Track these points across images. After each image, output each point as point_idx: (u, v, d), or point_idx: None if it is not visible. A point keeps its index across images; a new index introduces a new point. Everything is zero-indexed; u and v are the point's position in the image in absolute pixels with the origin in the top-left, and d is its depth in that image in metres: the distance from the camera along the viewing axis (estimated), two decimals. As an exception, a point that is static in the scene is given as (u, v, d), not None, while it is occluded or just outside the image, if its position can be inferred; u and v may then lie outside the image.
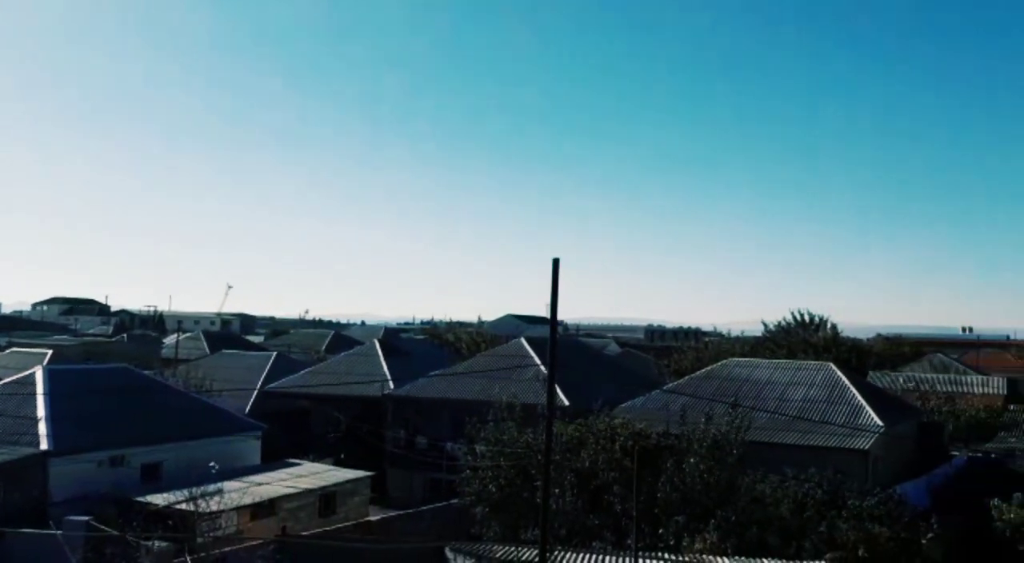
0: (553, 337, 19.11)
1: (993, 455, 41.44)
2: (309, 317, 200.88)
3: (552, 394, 19.30)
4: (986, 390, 57.55)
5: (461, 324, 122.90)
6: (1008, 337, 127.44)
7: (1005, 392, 57.53)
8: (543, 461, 19.77)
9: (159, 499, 28.24)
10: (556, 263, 18.54)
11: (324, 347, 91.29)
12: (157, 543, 23.28)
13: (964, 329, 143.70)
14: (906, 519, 26.83)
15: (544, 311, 19.39)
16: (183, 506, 26.11)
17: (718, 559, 23.52)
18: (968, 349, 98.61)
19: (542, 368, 40.33)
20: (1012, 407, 52.41)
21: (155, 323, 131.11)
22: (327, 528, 29.32)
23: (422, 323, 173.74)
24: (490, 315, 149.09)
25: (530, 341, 48.83)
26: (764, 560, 23.55)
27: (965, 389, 57.21)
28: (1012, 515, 30.18)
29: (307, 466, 36.53)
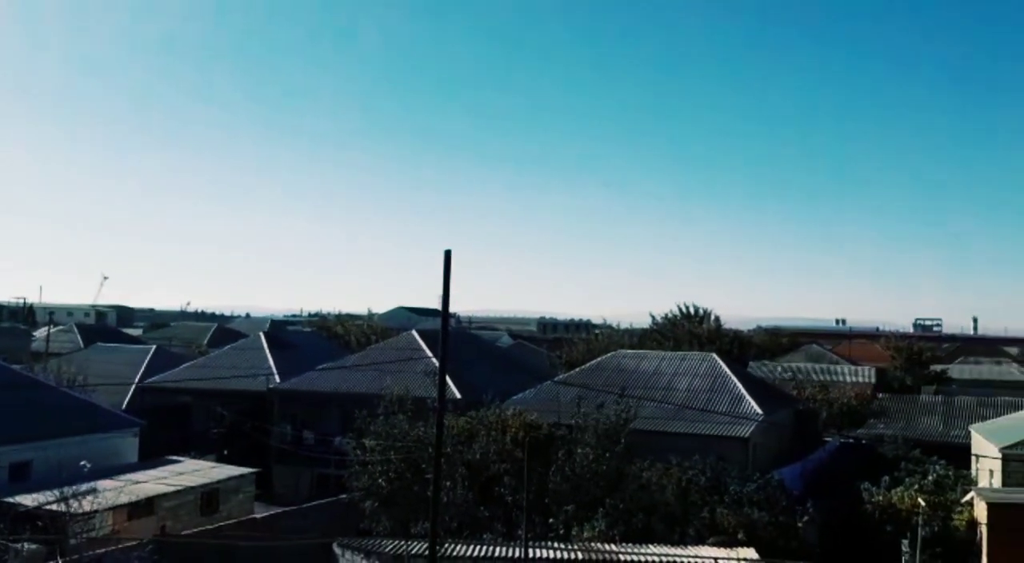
0: (444, 329, 18.94)
1: (863, 441, 43.57)
2: (191, 309, 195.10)
3: (443, 386, 19.15)
4: (857, 379, 60.51)
5: (351, 316, 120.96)
6: (878, 329, 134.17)
7: (874, 381, 60.67)
8: (434, 454, 19.63)
9: (28, 500, 26.72)
10: (448, 255, 18.36)
11: (207, 340, 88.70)
12: (26, 545, 22.08)
13: (838, 321, 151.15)
14: (783, 504, 27.86)
15: (436, 303, 19.17)
16: (54, 507, 24.76)
17: (606, 546, 23.92)
18: (841, 340, 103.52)
19: (433, 361, 40.16)
20: (880, 395, 55.28)
21: (24, 315, 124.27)
22: (209, 527, 28.40)
23: (310, 315, 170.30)
24: (381, 307, 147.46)
25: (421, 334, 48.56)
26: (650, 546, 24.08)
27: (838, 378, 60.01)
28: (880, 497, 31.81)
29: (188, 463, 35.30)
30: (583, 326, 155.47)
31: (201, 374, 49.09)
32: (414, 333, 49.13)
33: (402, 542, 24.49)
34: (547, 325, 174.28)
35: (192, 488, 31.28)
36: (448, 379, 27.86)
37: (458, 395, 37.60)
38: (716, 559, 22.73)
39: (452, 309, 19.31)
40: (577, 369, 45.32)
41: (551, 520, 26.45)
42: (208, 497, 31.85)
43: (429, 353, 43.23)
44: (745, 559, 22.58)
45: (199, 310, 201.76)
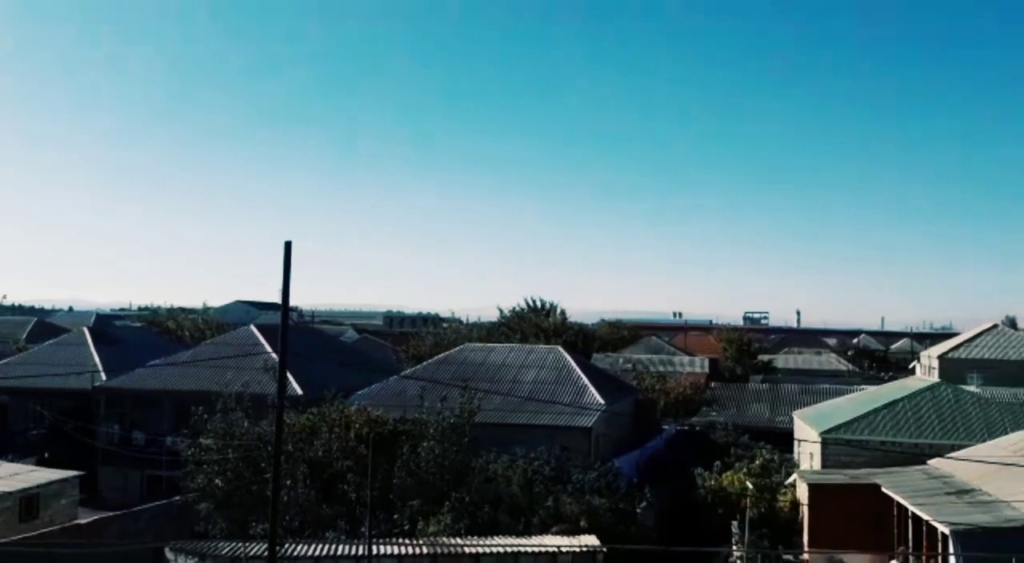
0: (285, 323, 18.26)
1: (697, 428, 45.55)
2: (7, 303, 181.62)
3: (283, 382, 18.47)
4: (692, 369, 63.32)
5: (184, 310, 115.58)
6: (711, 322, 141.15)
7: (707, 371, 63.66)
8: (273, 452, 18.95)
9: None
10: (288, 246, 17.69)
11: (24, 336, 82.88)
12: None
13: (675, 314, 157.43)
14: (623, 490, 28.66)
15: (277, 297, 18.42)
16: None
17: (451, 540, 23.86)
18: (678, 333, 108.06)
19: (273, 356, 38.84)
20: (713, 384, 58.05)
21: None
22: (29, 534, 26.38)
23: (140, 309, 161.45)
24: (217, 301, 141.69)
25: (261, 328, 47.15)
26: (495, 538, 24.19)
27: (675, 369, 62.59)
28: (712, 482, 33.32)
29: (4, 467, 32.72)
30: (431, 320, 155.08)
31: (19, 371, 45.79)
32: (253, 328, 47.65)
33: (240, 543, 23.59)
34: (394, 319, 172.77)
35: (9, 493, 29.03)
36: (289, 375, 27.05)
37: (300, 391, 36.66)
38: (559, 547, 23.08)
39: (293, 303, 18.70)
40: (424, 363, 45.09)
41: (396, 516, 26.15)
42: (27, 503, 29.62)
43: (269, 348, 41.84)
44: (586, 546, 23.05)
45: (16, 304, 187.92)
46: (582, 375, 39.63)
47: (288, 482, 25.70)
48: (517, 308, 74.00)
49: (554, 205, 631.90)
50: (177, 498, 29.91)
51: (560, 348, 44.25)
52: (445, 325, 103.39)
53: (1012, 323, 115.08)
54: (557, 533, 24.80)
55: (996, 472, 25.97)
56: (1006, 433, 31.54)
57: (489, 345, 47.94)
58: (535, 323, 69.26)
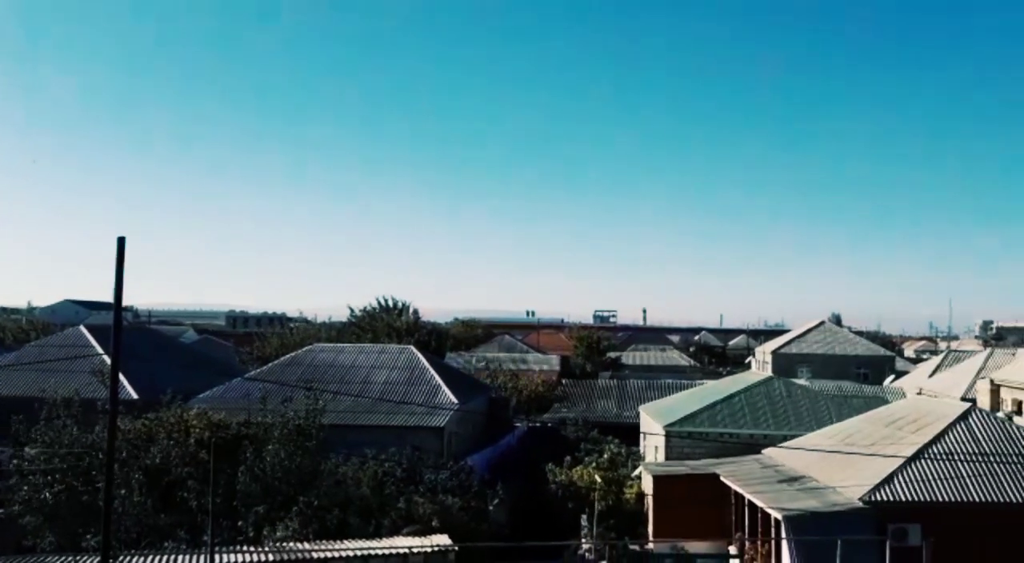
0: (117, 323, 17.19)
1: (549, 424, 46.26)
2: None
3: (115, 386, 17.39)
4: (544, 367, 64.33)
5: (7, 311, 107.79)
6: (563, 320, 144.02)
7: (559, 368, 64.85)
8: (106, 459, 17.83)
9: None
10: (122, 243, 16.66)
11: None
12: None
13: (528, 313, 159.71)
14: (475, 489, 28.74)
15: (109, 296, 17.32)
16: None
17: (299, 545, 23.22)
18: (531, 331, 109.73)
19: (105, 358, 36.70)
20: (564, 381, 59.18)
21: None
22: None
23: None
24: (44, 301, 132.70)
25: (91, 329, 44.57)
26: (345, 541, 23.71)
27: (528, 367, 63.42)
28: (563, 477, 33.92)
29: None
30: (277, 320, 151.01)
31: None
32: (82, 328, 44.96)
33: (70, 557, 22.11)
34: (237, 319, 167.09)
35: None
36: (122, 378, 25.56)
37: (134, 395, 34.85)
38: (410, 548, 22.85)
39: (127, 302, 17.65)
40: (269, 364, 43.76)
41: (240, 523, 25.21)
42: None
43: (100, 350, 39.50)
44: (438, 545, 22.93)
45: None
46: (435, 375, 39.47)
47: (123, 491, 24.36)
48: (369, 307, 72.93)
49: (406, 204, 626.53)
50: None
51: (413, 348, 43.93)
52: (293, 325, 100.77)
53: (837, 320, 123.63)
54: (409, 534, 24.56)
55: (823, 459, 27.65)
56: (832, 423, 33.69)
57: (339, 345, 47.06)
58: (387, 323, 68.44)
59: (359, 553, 22.43)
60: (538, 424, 46.89)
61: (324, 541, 23.72)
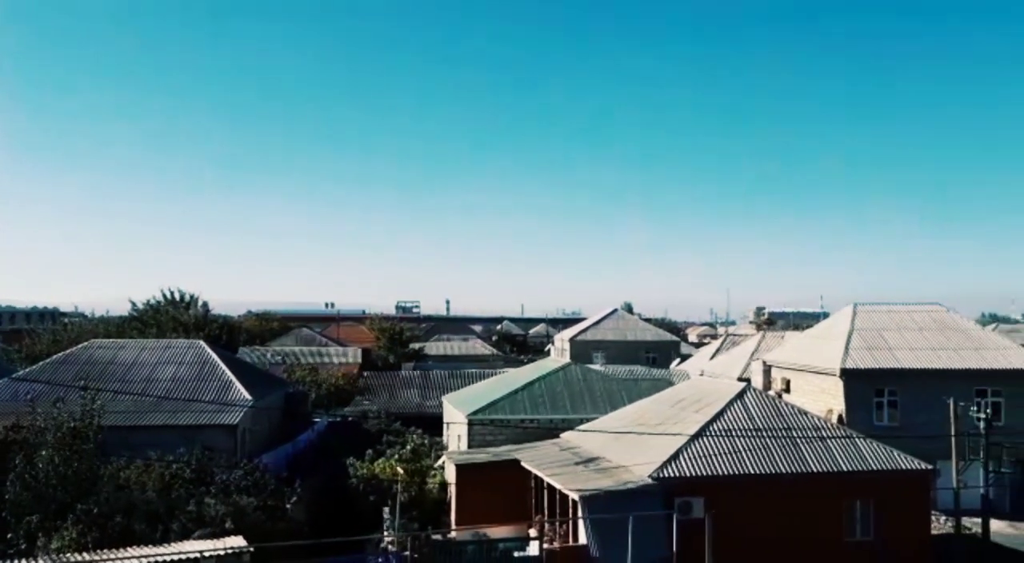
0: None
1: (350, 418, 45.54)
2: None
3: None
4: (345, 360, 63.22)
5: None
6: (364, 312, 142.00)
7: (360, 361, 63.95)
8: None
9: None
10: None
11: None
12: None
13: (327, 305, 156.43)
14: (272, 487, 27.81)
15: None
16: None
17: (78, 556, 21.53)
18: (330, 323, 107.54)
19: None
20: (366, 374, 58.47)
21: None
22: None
23: None
24: None
25: None
26: (129, 549, 22.23)
27: (328, 359, 62.09)
28: (364, 470, 33.46)
29: None
30: (49, 315, 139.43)
31: None
32: None
33: None
34: (3, 315, 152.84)
35: None
36: None
37: None
38: (201, 552, 21.71)
39: None
40: (41, 363, 40.28)
41: (10, 535, 23.13)
42: None
43: None
44: (232, 547, 21.92)
45: None
46: (227, 370, 37.78)
47: None
48: (153, 301, 68.68)
49: (193, 187, 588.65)
50: None
51: (202, 343, 41.76)
52: (67, 320, 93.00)
53: (629, 308, 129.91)
54: (200, 537, 23.37)
55: (616, 440, 28.87)
56: (624, 405, 35.26)
57: (119, 341, 44.04)
58: (173, 316, 64.63)
59: (145, 560, 21.06)
60: (338, 418, 46.06)
61: (106, 550, 22.14)
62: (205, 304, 70.56)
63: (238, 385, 36.38)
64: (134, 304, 69.12)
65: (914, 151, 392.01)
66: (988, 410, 29.59)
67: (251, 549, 21.89)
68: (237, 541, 22.61)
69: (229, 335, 68.83)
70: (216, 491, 26.32)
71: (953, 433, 29.47)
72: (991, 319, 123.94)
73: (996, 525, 31.65)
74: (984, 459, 28.67)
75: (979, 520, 29.48)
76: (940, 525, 31.45)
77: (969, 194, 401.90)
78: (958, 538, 29.38)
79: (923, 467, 26.93)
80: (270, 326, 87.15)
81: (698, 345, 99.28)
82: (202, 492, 26.20)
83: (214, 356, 39.11)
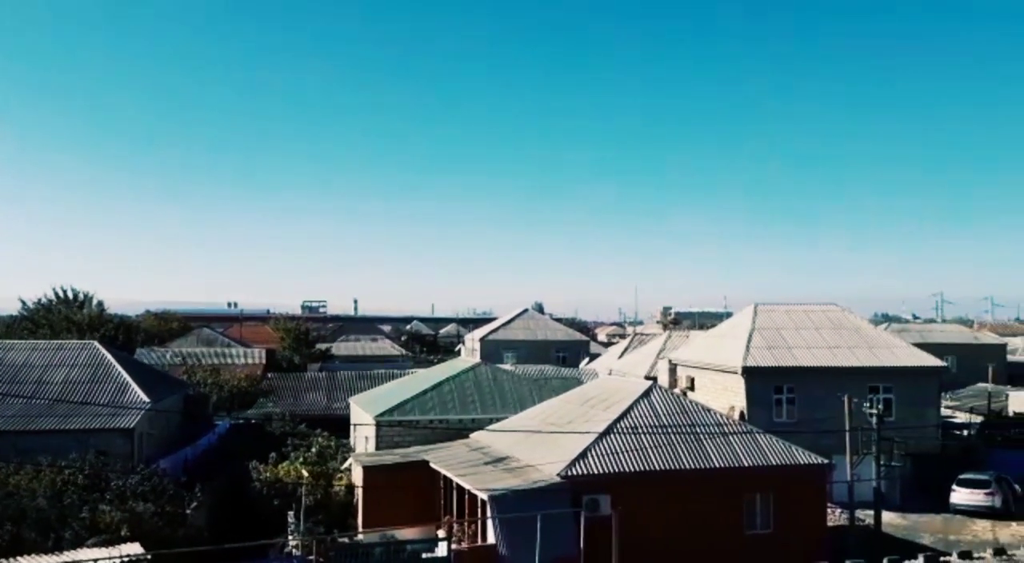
0: None
1: (253, 421, 44.47)
2: None
3: None
4: (248, 361, 61.68)
5: None
6: (268, 312, 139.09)
7: (264, 362, 62.50)
8: None
9: None
10: None
11: None
12: None
13: (230, 304, 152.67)
14: (170, 492, 26.98)
15: None
16: None
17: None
18: (233, 323, 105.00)
19: None
20: (270, 375, 57.19)
21: None
22: None
23: None
24: None
25: None
26: (20, 558, 21.19)
27: (230, 360, 60.46)
28: (268, 474, 32.71)
29: None
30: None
31: None
32: None
33: None
34: None
35: None
36: None
37: None
38: (95, 560, 20.85)
39: None
40: (-79, 366, 38.06)
41: None
42: None
43: None
44: (127, 555, 21.12)
45: None
46: (123, 372, 36.45)
47: None
48: (44, 299, 65.84)
49: (85, 180, 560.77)
50: None
51: (97, 344, 40.19)
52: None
53: (540, 308, 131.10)
54: (95, 545, 22.48)
55: (526, 439, 28.98)
56: (534, 404, 35.42)
57: (7, 342, 42.06)
58: (66, 316, 62.05)
59: (34, 571, 20.12)
60: (241, 420, 44.95)
61: (-10, 562, 21.07)
62: (100, 303, 68.05)
63: (135, 387, 35.14)
64: (24, 303, 66.20)
65: (831, 149, 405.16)
66: (880, 406, 30.88)
67: (148, 557, 21.18)
68: (134, 548, 21.84)
69: (126, 335, 66.45)
70: (111, 497, 25.43)
71: (847, 428, 30.60)
72: (883, 319, 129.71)
73: (887, 516, 33.07)
74: (876, 453, 29.88)
75: (872, 512, 30.73)
76: (836, 517, 32.63)
77: (878, 203, 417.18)
78: (852, 529, 30.53)
79: (820, 461, 27.88)
80: (169, 326, 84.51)
81: (607, 344, 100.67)
82: (96, 498, 25.29)
83: (109, 357, 37.70)
